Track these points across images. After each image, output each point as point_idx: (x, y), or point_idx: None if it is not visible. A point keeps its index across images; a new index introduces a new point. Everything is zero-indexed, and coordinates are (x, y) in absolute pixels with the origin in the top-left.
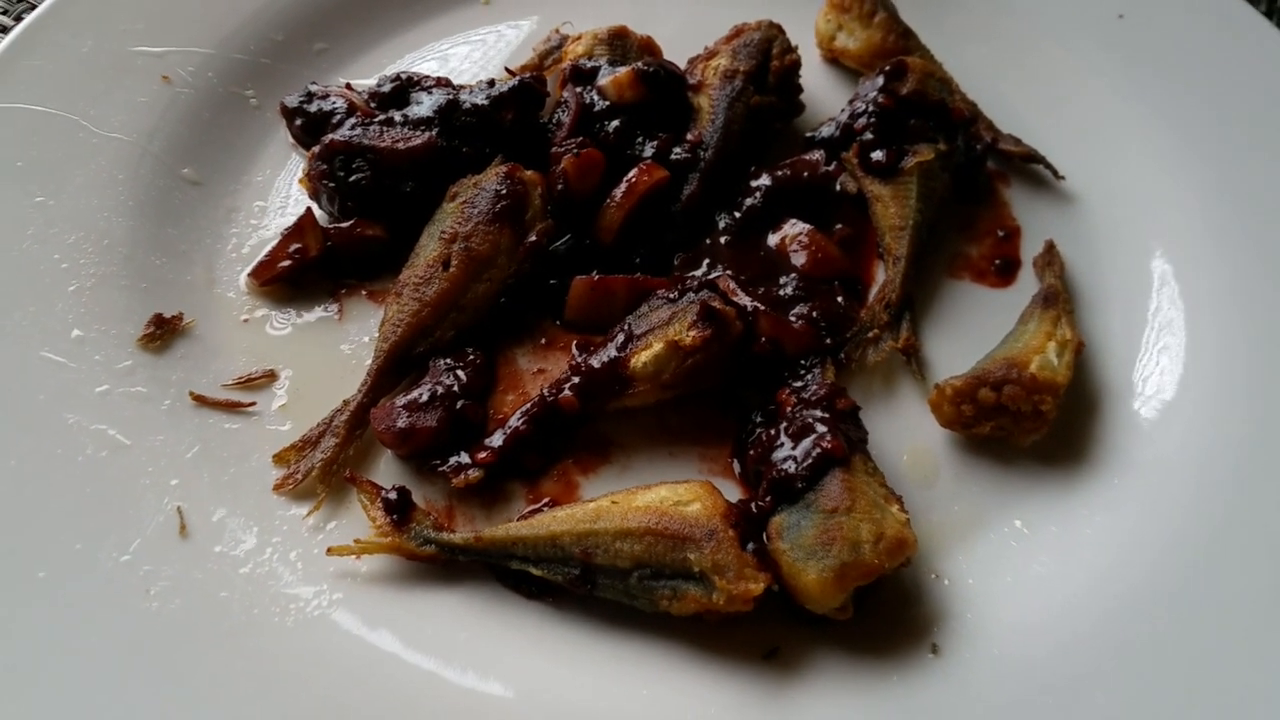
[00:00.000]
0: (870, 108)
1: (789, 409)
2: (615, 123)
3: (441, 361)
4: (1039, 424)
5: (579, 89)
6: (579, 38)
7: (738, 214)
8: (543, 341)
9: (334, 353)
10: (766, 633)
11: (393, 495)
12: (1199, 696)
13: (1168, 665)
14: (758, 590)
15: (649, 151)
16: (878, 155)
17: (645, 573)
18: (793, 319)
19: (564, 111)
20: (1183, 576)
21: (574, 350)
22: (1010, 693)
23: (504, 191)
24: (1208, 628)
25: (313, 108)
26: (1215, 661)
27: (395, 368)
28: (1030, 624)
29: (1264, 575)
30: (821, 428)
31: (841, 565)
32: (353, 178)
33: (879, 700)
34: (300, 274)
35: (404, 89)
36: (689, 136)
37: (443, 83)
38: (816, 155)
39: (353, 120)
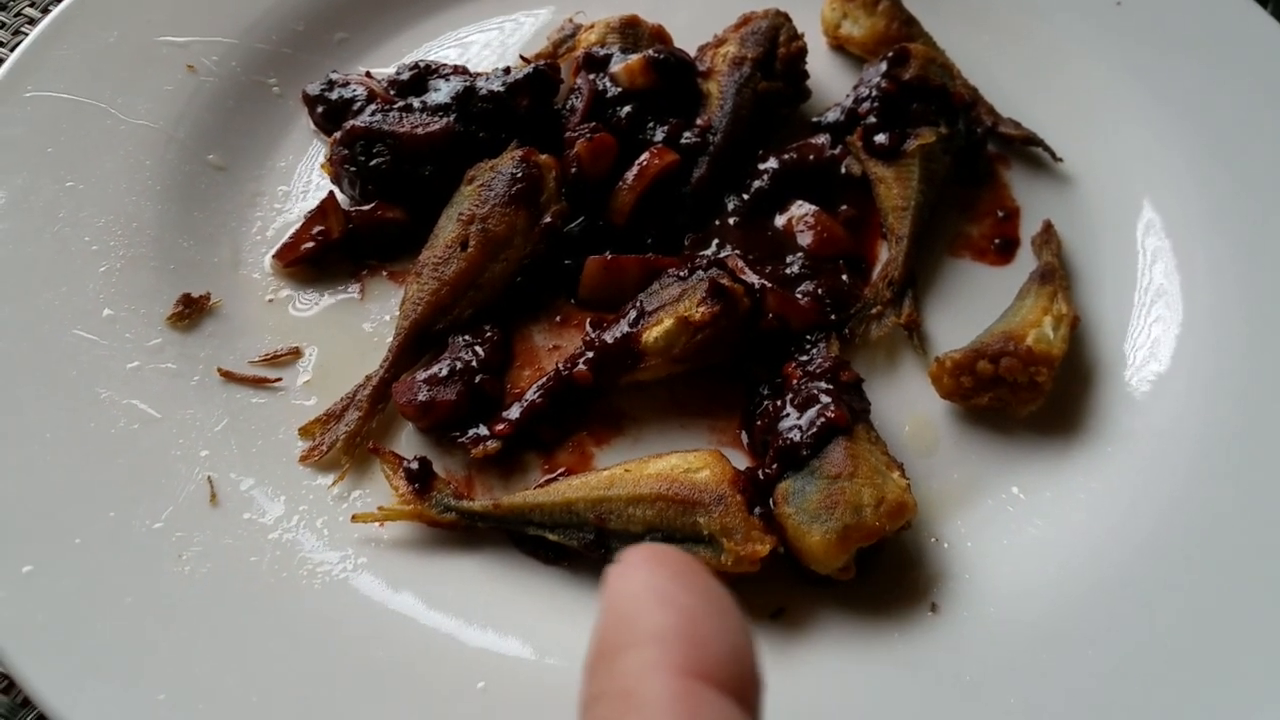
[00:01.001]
0: (873, 93)
1: (795, 381)
2: (627, 108)
3: (460, 338)
4: (1035, 395)
5: (592, 76)
6: (592, 26)
7: (746, 196)
8: (557, 319)
9: (356, 331)
10: (773, 593)
11: (414, 465)
12: (1189, 657)
13: (1158, 625)
14: (764, 551)
15: (660, 136)
16: (881, 138)
17: (657, 536)
18: (799, 296)
19: (577, 98)
20: (1174, 540)
21: (588, 327)
22: (1006, 649)
23: (519, 175)
24: (1199, 589)
25: (334, 95)
26: (1206, 623)
27: (416, 344)
28: (1026, 585)
29: (1254, 539)
30: (825, 399)
31: (844, 527)
32: (373, 162)
33: (881, 656)
34: (323, 255)
35: (422, 77)
36: (699, 121)
37: (460, 70)
38: (822, 139)
39: (373, 107)
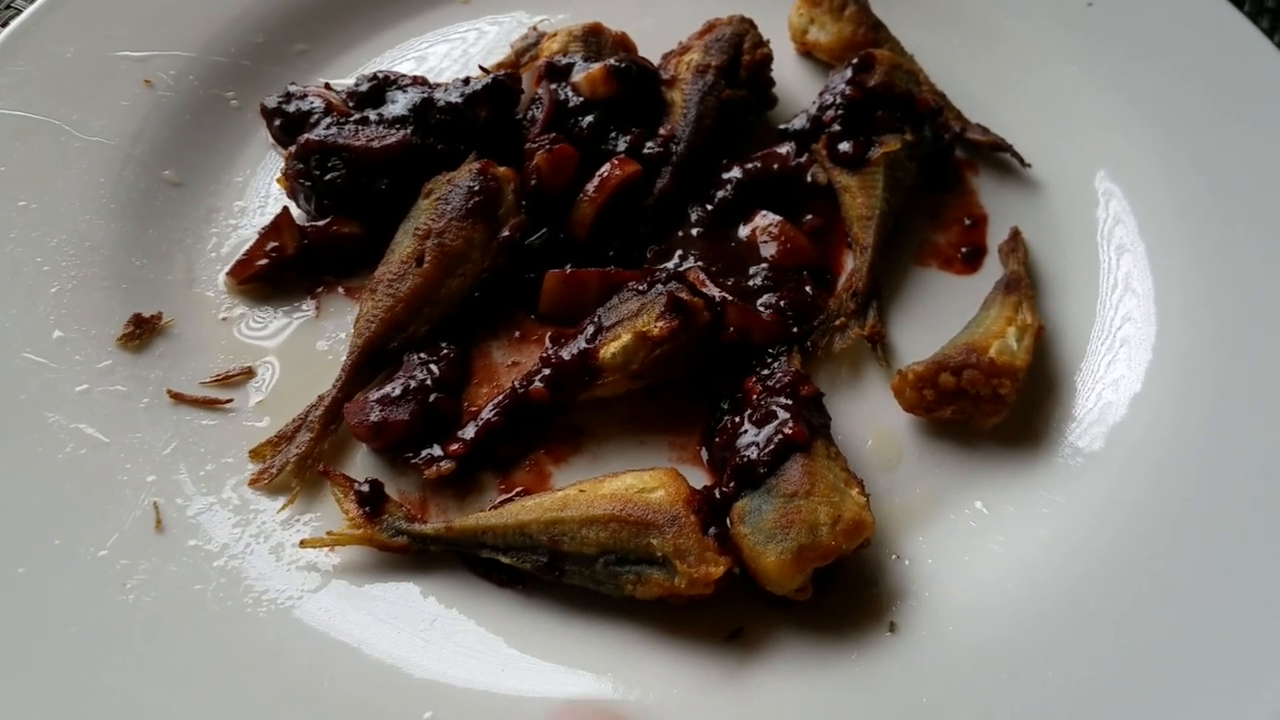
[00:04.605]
0: (838, 100)
1: (754, 397)
2: (589, 118)
3: (415, 356)
4: (998, 407)
5: (553, 85)
6: (554, 35)
7: (709, 206)
8: (517, 334)
9: (311, 349)
10: (730, 614)
11: (365, 488)
12: (1151, 674)
13: (1119, 643)
14: (717, 573)
15: (622, 146)
16: (845, 147)
17: (610, 559)
18: (761, 309)
19: (538, 108)
20: (1137, 557)
21: (547, 343)
22: (964, 669)
23: (477, 188)
24: (1160, 607)
25: (291, 108)
26: (1169, 640)
27: (370, 363)
28: (987, 602)
29: (1217, 554)
30: (784, 414)
31: (799, 547)
32: (328, 176)
33: (838, 678)
34: (278, 272)
35: (381, 88)
36: (662, 131)
37: (419, 81)
38: (787, 147)
39: (328, 120)
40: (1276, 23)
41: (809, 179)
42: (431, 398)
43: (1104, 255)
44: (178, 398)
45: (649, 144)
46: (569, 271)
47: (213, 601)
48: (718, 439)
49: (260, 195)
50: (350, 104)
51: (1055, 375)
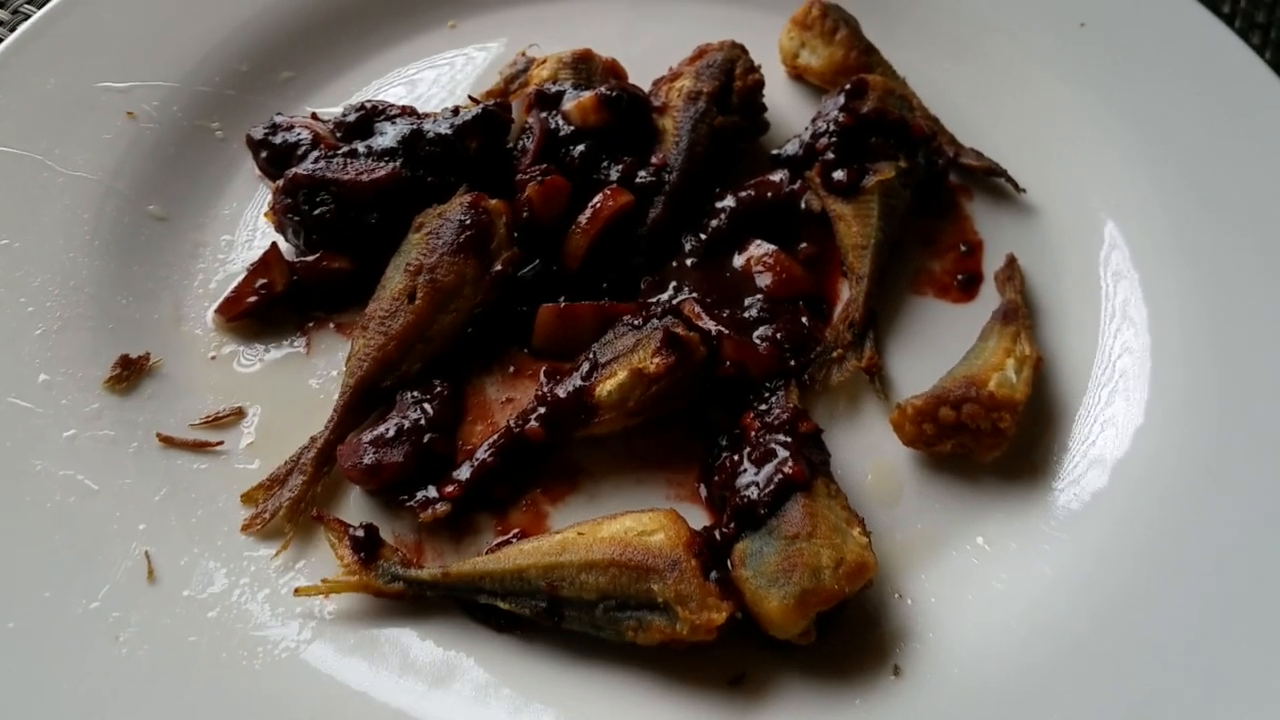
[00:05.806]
0: (831, 127)
1: (753, 433)
2: (580, 147)
3: (408, 395)
4: (999, 440)
5: (544, 114)
6: (544, 61)
7: (703, 236)
8: (511, 370)
9: (302, 388)
10: (732, 659)
11: (360, 533)
12: (1156, 712)
13: (1125, 682)
14: (719, 620)
15: (614, 175)
16: (839, 175)
17: (610, 604)
18: (757, 341)
19: (529, 137)
20: (1142, 593)
21: (542, 379)
22: (969, 711)
23: (468, 221)
24: (1167, 645)
25: (278, 139)
26: (1173, 679)
27: (362, 403)
28: (989, 643)
29: (1224, 589)
30: (783, 453)
31: (802, 592)
32: (317, 211)
33: None
34: (267, 309)
35: (369, 118)
36: (654, 159)
37: (407, 111)
38: (780, 175)
39: (316, 153)
40: (1267, 40)
41: (803, 206)
42: (426, 437)
43: (1102, 281)
44: (168, 441)
45: (641, 173)
46: (562, 305)
47: (208, 654)
48: (716, 477)
49: (248, 229)
50: (338, 135)
51: (1055, 407)
